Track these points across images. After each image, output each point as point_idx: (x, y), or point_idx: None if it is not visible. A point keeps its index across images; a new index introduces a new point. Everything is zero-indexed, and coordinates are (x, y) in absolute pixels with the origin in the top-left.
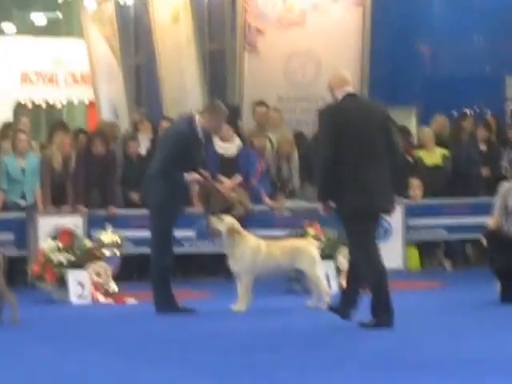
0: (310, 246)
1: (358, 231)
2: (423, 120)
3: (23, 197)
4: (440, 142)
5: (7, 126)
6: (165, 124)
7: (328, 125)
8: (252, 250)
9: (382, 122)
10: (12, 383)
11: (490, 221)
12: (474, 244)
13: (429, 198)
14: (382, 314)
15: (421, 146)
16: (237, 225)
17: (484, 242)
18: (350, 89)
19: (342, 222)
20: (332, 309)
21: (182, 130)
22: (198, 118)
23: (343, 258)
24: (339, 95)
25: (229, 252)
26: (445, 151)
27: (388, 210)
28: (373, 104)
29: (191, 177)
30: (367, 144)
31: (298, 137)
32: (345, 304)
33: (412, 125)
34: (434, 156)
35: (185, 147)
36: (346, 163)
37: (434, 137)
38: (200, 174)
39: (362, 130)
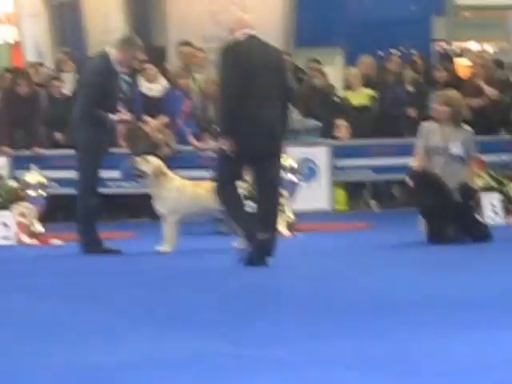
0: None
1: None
2: (350, 61)
3: None
4: (367, 82)
5: None
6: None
7: (228, 63)
8: (177, 191)
9: (278, 63)
10: None
11: (413, 162)
12: (400, 185)
13: (355, 139)
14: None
15: (347, 87)
16: (162, 165)
17: (409, 182)
18: (249, 31)
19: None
20: None
21: (98, 68)
22: (112, 52)
23: None
24: (240, 37)
25: (154, 192)
26: (371, 92)
27: (272, 152)
28: (270, 46)
29: (117, 116)
30: (262, 83)
31: None
32: None
33: (338, 65)
34: (360, 96)
35: (103, 83)
36: (242, 101)
37: (360, 77)
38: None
39: (259, 69)
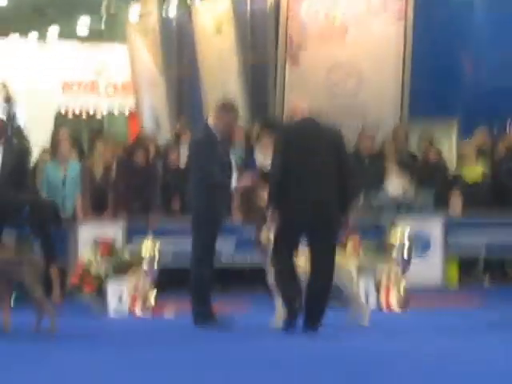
0: (348, 263)
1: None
2: (464, 133)
3: (63, 206)
4: (480, 155)
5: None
6: None
7: (281, 144)
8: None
9: (333, 142)
10: None
11: None
12: None
13: (470, 215)
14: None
15: (461, 162)
16: None
17: None
18: (306, 114)
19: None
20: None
21: (197, 138)
22: (210, 120)
23: (382, 274)
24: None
25: (268, 267)
26: (483, 168)
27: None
28: (325, 126)
29: (240, 182)
30: (315, 162)
31: None
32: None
33: (453, 138)
34: (474, 173)
35: (205, 152)
36: (290, 179)
37: (474, 153)
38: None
39: (311, 148)
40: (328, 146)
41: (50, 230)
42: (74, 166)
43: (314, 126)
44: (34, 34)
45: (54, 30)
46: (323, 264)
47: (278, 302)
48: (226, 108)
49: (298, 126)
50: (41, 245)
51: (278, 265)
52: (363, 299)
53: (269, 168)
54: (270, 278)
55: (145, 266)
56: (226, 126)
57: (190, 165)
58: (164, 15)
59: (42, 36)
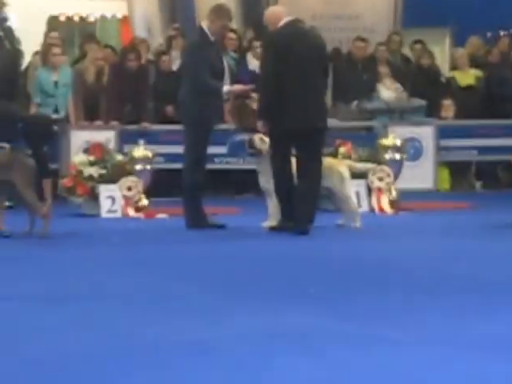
0: (340, 165)
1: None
2: (457, 41)
3: (56, 110)
4: (474, 63)
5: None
6: None
7: (270, 48)
8: None
9: (316, 47)
10: (34, 292)
11: None
12: (505, 166)
13: (461, 119)
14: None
15: (454, 67)
16: None
17: None
18: (288, 18)
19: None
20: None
21: (193, 40)
22: (204, 23)
23: (374, 177)
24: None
25: (262, 169)
26: (478, 72)
27: (321, 129)
28: (309, 28)
29: (229, 88)
30: (305, 68)
31: (335, 52)
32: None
33: (446, 46)
34: (467, 77)
35: (198, 55)
36: (284, 85)
37: (467, 58)
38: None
39: (301, 55)
40: (313, 50)
41: (43, 146)
42: (65, 71)
43: (299, 30)
44: None
45: None
46: (311, 167)
47: (271, 204)
48: (221, 11)
49: (284, 32)
50: (34, 158)
51: (275, 167)
52: (355, 201)
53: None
54: (262, 180)
55: (137, 167)
56: (220, 30)
57: (184, 69)
58: None
59: None
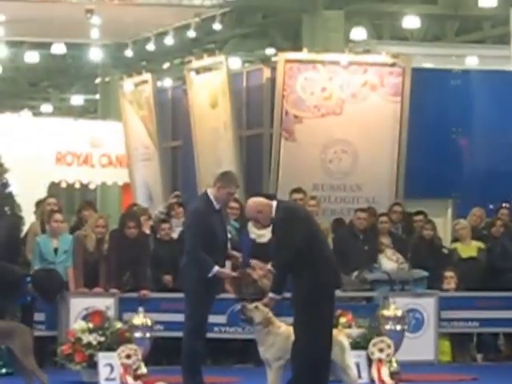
0: (340, 335)
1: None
2: (460, 212)
3: None
4: (475, 234)
5: (38, 203)
6: None
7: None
8: (283, 338)
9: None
10: None
11: None
12: (507, 337)
13: (463, 291)
14: None
15: (456, 239)
16: (271, 314)
17: None
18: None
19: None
20: None
21: (197, 207)
22: (210, 190)
23: (375, 348)
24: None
25: (260, 339)
26: (480, 244)
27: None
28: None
29: (218, 271)
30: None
31: (337, 223)
32: None
33: (448, 217)
34: (469, 249)
35: (204, 223)
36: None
37: (470, 230)
38: (232, 256)
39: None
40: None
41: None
42: (66, 238)
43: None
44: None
45: (49, 105)
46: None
47: (271, 374)
48: (228, 178)
49: (299, 206)
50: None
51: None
52: (355, 372)
53: (261, 240)
54: (261, 350)
55: (137, 335)
56: (226, 197)
57: (186, 235)
58: (159, 85)
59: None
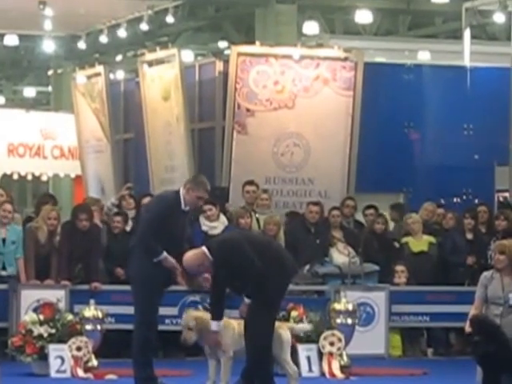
0: (280, 328)
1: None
2: (411, 207)
3: (3, 268)
4: (427, 228)
5: None
6: (146, 201)
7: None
8: (225, 330)
9: None
10: None
11: (472, 310)
12: (458, 332)
13: (413, 285)
14: None
15: (408, 233)
16: (204, 317)
17: (468, 328)
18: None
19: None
20: None
21: (166, 201)
22: (181, 190)
23: (325, 342)
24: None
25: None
26: (431, 238)
27: None
28: None
29: (169, 262)
30: None
31: (292, 215)
32: None
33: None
34: (420, 243)
35: (166, 218)
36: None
37: (421, 224)
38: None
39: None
40: None
41: None
42: (14, 229)
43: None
44: None
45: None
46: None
47: (212, 366)
48: (198, 182)
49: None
50: None
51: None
52: (293, 366)
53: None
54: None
55: (88, 327)
56: (194, 200)
57: (141, 218)
58: (111, 78)
59: None
